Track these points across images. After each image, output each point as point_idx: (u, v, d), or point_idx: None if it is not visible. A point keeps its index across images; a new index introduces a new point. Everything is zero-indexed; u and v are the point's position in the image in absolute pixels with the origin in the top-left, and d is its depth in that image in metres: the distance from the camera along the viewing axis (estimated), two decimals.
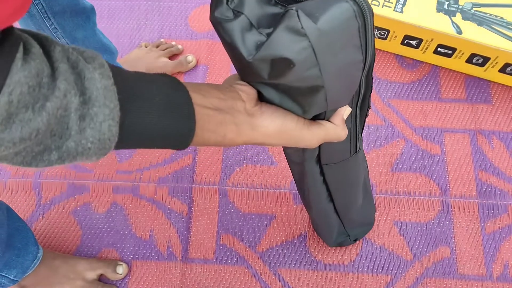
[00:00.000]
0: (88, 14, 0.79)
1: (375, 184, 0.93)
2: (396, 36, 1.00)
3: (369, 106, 0.52)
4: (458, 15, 0.94)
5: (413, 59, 1.05)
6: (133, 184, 0.95)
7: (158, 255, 0.90)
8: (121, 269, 0.86)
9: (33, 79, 0.26)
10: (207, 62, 1.06)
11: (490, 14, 0.94)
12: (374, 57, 0.43)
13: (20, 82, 0.25)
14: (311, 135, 0.43)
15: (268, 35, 0.37)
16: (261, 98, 0.42)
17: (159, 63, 1.02)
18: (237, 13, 0.38)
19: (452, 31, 0.93)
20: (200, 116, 0.36)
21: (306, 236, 0.90)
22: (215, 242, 0.90)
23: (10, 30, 0.25)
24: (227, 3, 0.39)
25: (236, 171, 0.96)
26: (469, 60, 0.98)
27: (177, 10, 1.13)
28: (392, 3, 0.96)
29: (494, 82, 1.02)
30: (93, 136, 0.30)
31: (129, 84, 0.33)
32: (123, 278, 0.87)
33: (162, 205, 0.93)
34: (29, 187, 0.96)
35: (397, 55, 1.05)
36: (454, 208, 0.91)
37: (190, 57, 1.04)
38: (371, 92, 0.49)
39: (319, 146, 0.55)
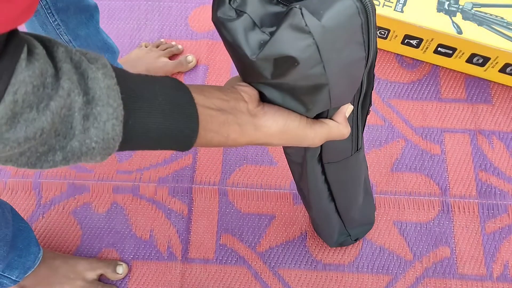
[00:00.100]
0: (92, 12, 0.79)
1: (375, 184, 0.93)
2: (396, 36, 1.00)
3: (370, 104, 0.52)
4: (459, 15, 0.94)
5: (413, 59, 1.05)
6: (133, 184, 0.95)
7: (158, 255, 0.89)
8: (121, 269, 0.86)
9: (37, 79, 0.26)
10: (207, 62, 1.06)
11: (491, 14, 0.94)
12: (376, 54, 0.43)
13: (25, 82, 0.25)
14: (314, 134, 0.43)
15: (271, 34, 0.37)
16: (263, 99, 0.42)
17: (159, 63, 1.02)
18: (239, 13, 0.38)
19: (452, 31, 0.93)
20: (203, 117, 0.36)
21: (306, 236, 0.90)
22: (215, 242, 0.90)
23: (14, 32, 0.26)
24: (229, 3, 0.39)
25: (236, 171, 0.96)
26: (469, 60, 0.98)
27: (177, 10, 1.13)
28: (392, 2, 0.96)
29: (494, 82, 1.02)
30: (97, 135, 0.30)
31: (131, 85, 0.33)
32: (123, 278, 0.87)
33: (162, 205, 0.93)
34: (29, 187, 0.95)
35: (397, 54, 1.05)
36: (454, 208, 0.91)
37: (190, 57, 1.04)
38: (372, 89, 0.49)
39: (321, 145, 0.55)
